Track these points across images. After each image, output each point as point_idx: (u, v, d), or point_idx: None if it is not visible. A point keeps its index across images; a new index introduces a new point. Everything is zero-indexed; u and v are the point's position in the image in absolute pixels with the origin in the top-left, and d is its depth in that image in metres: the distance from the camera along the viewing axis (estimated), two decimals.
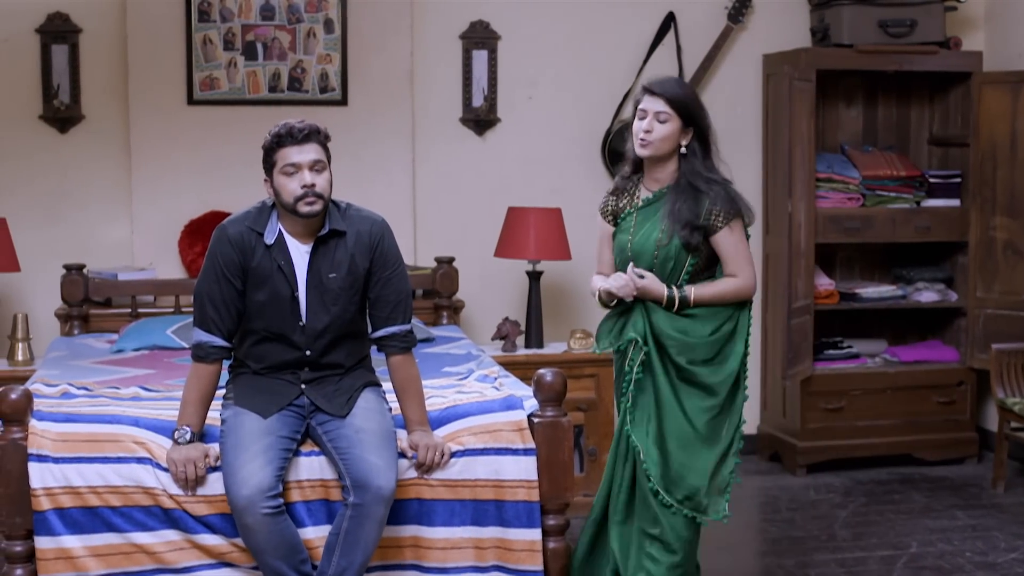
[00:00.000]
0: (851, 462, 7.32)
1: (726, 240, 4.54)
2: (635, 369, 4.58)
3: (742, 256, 4.57)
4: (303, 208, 4.29)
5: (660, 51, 7.32)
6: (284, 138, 4.28)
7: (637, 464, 4.58)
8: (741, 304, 4.61)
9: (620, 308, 4.65)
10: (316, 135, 4.32)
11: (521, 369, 6.02)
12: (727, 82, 7.46)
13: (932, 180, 7.42)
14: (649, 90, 4.55)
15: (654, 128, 4.51)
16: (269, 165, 4.33)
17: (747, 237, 4.60)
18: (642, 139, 4.53)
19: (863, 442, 7.31)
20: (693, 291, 4.55)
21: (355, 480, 4.22)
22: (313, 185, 4.27)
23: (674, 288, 4.54)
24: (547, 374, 4.64)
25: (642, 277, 4.54)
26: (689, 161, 4.54)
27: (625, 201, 4.68)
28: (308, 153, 4.29)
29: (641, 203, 4.63)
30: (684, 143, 4.54)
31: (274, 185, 4.32)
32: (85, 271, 6.58)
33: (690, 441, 4.53)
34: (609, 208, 4.73)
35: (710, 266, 4.62)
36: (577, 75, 7.29)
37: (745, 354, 4.63)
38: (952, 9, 7.26)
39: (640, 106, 4.56)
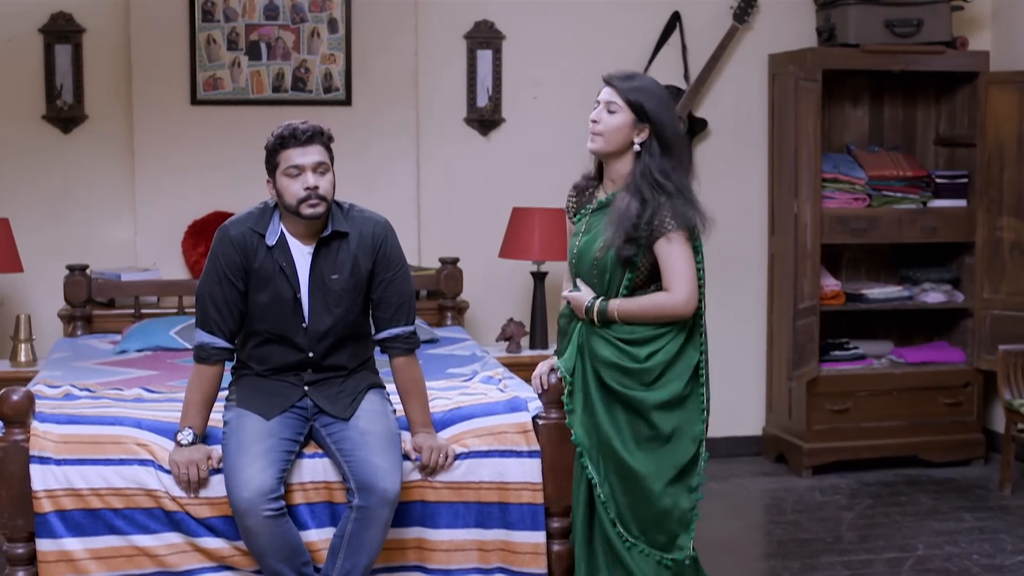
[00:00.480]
0: (857, 464, 7.29)
1: (663, 251, 4.16)
2: (566, 404, 4.37)
3: (677, 271, 4.16)
4: (306, 210, 4.26)
5: (665, 51, 7.30)
6: (287, 139, 4.25)
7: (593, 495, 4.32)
8: (685, 324, 4.24)
9: (572, 326, 4.39)
10: (319, 136, 4.30)
11: (526, 370, 5.94)
12: (732, 82, 7.44)
13: (938, 180, 7.39)
14: (606, 80, 4.27)
15: (602, 119, 4.21)
16: (272, 166, 4.30)
17: (697, 252, 4.22)
18: (590, 130, 4.25)
19: (869, 443, 7.27)
20: (617, 305, 4.22)
21: (360, 483, 4.20)
22: (316, 187, 4.24)
23: (597, 301, 4.24)
24: (552, 376, 4.60)
25: (579, 290, 4.31)
26: (643, 161, 4.19)
27: (584, 200, 4.40)
28: (311, 155, 4.26)
29: (595, 205, 4.33)
30: (638, 140, 4.20)
31: (277, 186, 4.29)
32: (88, 272, 6.57)
33: (631, 473, 4.20)
34: (570, 205, 4.46)
35: (655, 280, 4.26)
36: (582, 75, 7.24)
37: (697, 380, 4.26)
38: (959, 9, 7.23)
39: (597, 97, 4.28)
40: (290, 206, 4.27)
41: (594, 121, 4.23)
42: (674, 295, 4.18)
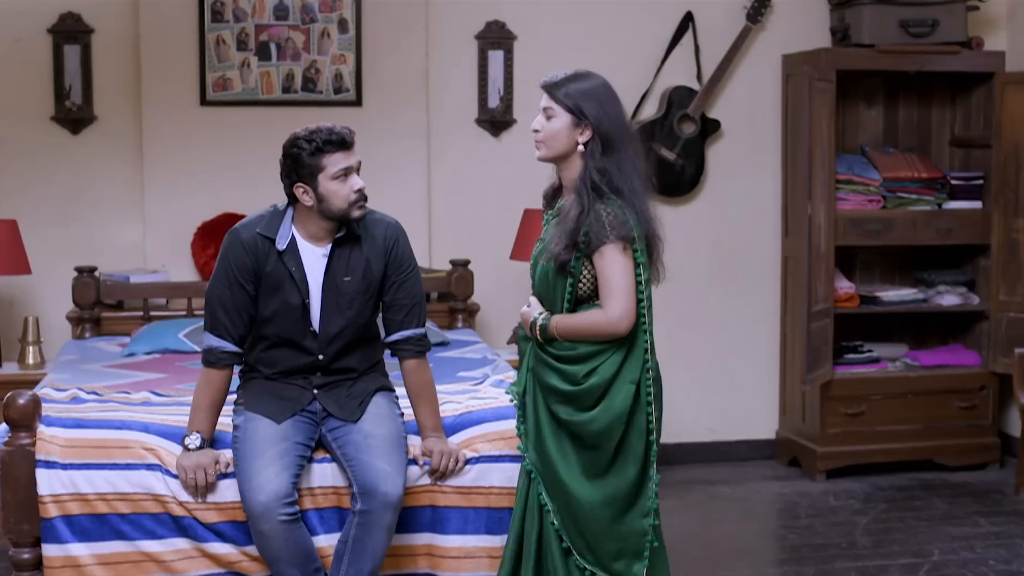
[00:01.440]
0: (871, 467, 7.23)
1: (598, 264, 3.96)
2: (518, 427, 4.22)
3: (611, 286, 3.95)
4: (356, 212, 4.26)
5: (678, 51, 7.26)
6: (334, 144, 4.20)
7: (544, 521, 4.13)
8: (623, 342, 4.00)
9: (523, 347, 4.24)
10: (354, 138, 4.30)
11: None
12: (746, 83, 7.40)
13: (954, 182, 7.34)
14: (542, 86, 4.10)
15: (541, 126, 4.06)
16: (311, 171, 4.20)
17: (636, 262, 3.98)
18: (533, 138, 4.12)
19: (883, 447, 7.23)
20: (556, 321, 4.03)
21: (362, 486, 4.16)
22: (363, 188, 4.25)
23: (541, 316, 4.08)
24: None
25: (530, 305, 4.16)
26: (586, 162, 4.02)
27: (550, 208, 4.24)
28: (355, 156, 4.27)
29: (553, 212, 4.18)
30: (581, 141, 4.03)
31: (320, 191, 4.21)
32: (97, 273, 6.55)
33: (579, 503, 4.02)
34: (542, 215, 4.31)
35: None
36: None
37: (639, 401, 4.01)
38: (974, 9, 7.18)
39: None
40: (341, 210, 4.23)
41: (535, 130, 4.12)
42: (606, 312, 3.96)
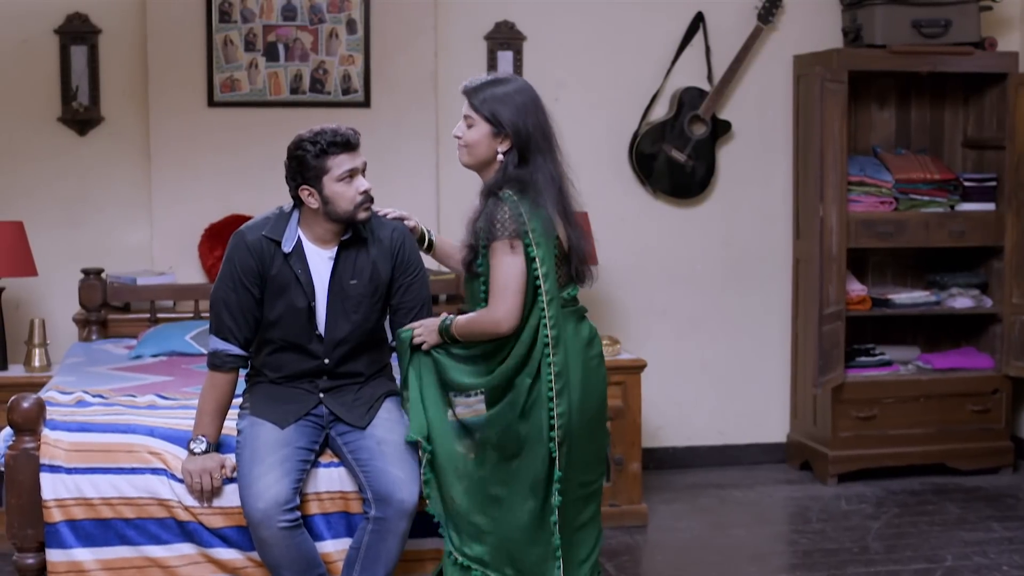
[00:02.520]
0: (883, 472, 7.18)
1: (488, 264, 4.03)
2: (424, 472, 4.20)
3: (495, 285, 3.98)
4: (362, 214, 4.24)
5: (689, 52, 7.22)
6: (339, 145, 4.18)
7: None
8: (510, 342, 4.01)
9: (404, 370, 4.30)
10: (359, 139, 4.26)
11: None
12: (757, 83, 7.36)
13: (966, 183, 7.29)
14: (462, 92, 4.15)
15: (463, 133, 4.11)
16: (315, 173, 4.18)
17: (530, 260, 3.98)
18: (457, 144, 4.16)
19: (896, 451, 7.17)
20: (453, 321, 4.11)
21: (377, 493, 4.13)
22: (369, 190, 4.22)
23: (448, 317, 4.14)
24: None
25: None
26: (500, 171, 4.07)
27: None
28: (360, 157, 4.24)
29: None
30: (501, 150, 4.07)
31: (325, 193, 4.19)
32: (103, 275, 6.51)
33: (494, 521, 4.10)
34: None
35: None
36: (604, 76, 7.19)
37: (538, 400, 4.02)
38: (987, 9, 7.13)
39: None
40: (346, 212, 4.21)
41: (456, 136, 4.14)
42: (489, 310, 4.00)
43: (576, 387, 4.07)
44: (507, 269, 3.97)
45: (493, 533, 4.09)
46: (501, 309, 3.97)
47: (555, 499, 4.04)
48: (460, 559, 4.13)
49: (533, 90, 4.17)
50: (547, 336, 4.01)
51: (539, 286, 4.00)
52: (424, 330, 4.20)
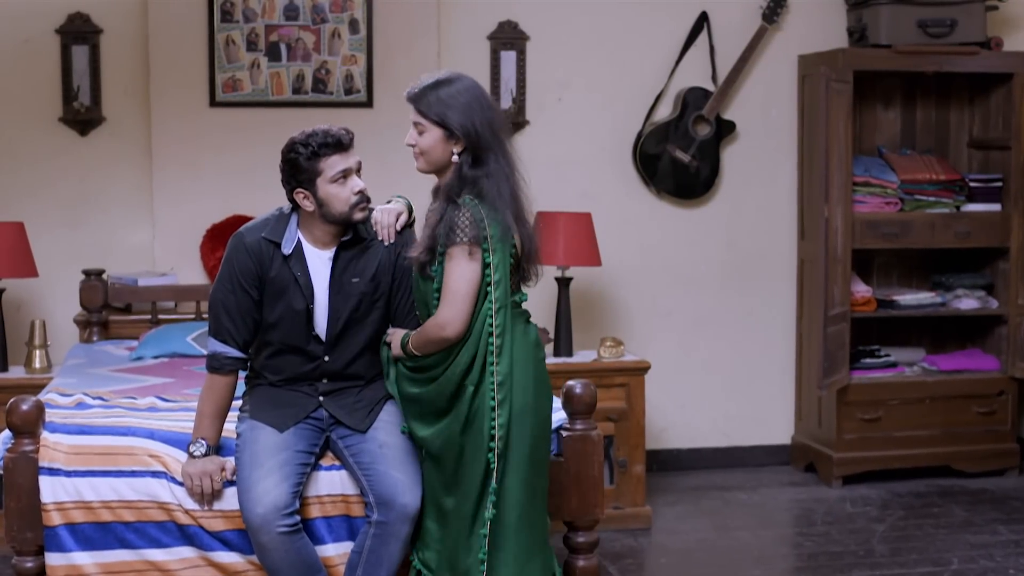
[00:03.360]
0: (888, 474, 7.15)
1: (442, 268, 4.02)
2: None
3: (446, 290, 3.97)
4: (358, 215, 4.19)
5: (693, 52, 7.19)
6: (331, 146, 4.14)
7: None
8: (467, 346, 4.00)
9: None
10: (353, 138, 4.22)
11: (550, 378, 5.85)
12: (761, 84, 7.33)
13: (972, 184, 7.26)
14: (407, 99, 4.11)
15: (416, 140, 4.08)
16: (309, 176, 4.15)
17: (484, 266, 3.96)
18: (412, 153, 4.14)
19: (901, 453, 7.14)
20: (411, 335, 4.11)
21: (379, 497, 4.09)
22: (364, 190, 4.17)
23: (408, 332, 4.15)
24: (576, 386, 4.48)
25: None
26: (455, 172, 4.06)
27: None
28: (353, 157, 4.20)
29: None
30: (456, 151, 4.06)
31: (319, 196, 4.15)
32: (105, 276, 6.48)
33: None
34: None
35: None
36: (608, 77, 7.16)
37: (480, 409, 4.01)
38: (993, 9, 7.10)
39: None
40: (342, 213, 4.17)
41: (409, 144, 4.12)
42: (436, 316, 4.01)
43: (529, 390, 4.06)
44: (461, 274, 3.96)
45: (440, 540, 4.10)
46: (448, 313, 3.97)
47: (488, 512, 4.02)
48: (414, 562, 4.17)
49: (477, 86, 4.16)
50: (491, 343, 4.00)
51: (488, 293, 4.00)
52: (393, 340, 4.21)
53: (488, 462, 4.01)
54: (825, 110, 6.72)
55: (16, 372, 6.23)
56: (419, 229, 4.22)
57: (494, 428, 3.99)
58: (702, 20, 7.19)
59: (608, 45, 7.17)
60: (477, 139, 4.04)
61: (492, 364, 4.00)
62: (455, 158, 4.06)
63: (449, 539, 4.08)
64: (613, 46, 7.17)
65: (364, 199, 4.20)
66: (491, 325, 4.00)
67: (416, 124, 4.09)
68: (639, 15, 7.19)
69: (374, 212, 4.29)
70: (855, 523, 6.40)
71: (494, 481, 4.01)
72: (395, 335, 4.21)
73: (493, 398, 4.00)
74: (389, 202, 4.39)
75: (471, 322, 4.00)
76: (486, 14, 7.05)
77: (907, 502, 6.77)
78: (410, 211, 4.37)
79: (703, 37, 7.21)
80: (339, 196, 4.16)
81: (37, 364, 6.17)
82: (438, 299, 4.03)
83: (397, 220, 4.32)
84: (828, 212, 6.79)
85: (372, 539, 4.10)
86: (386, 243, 4.28)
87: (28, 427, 4.22)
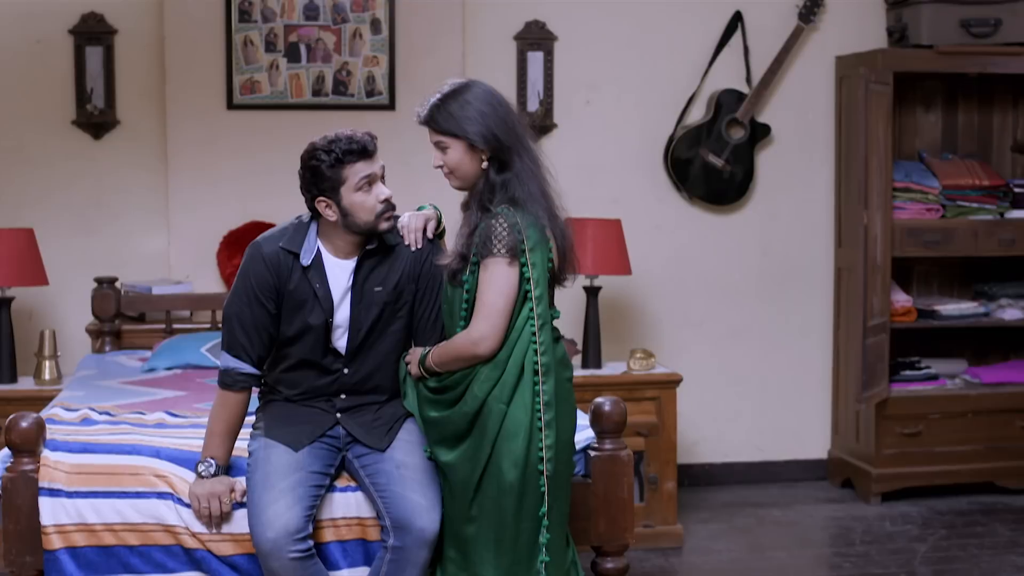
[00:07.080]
0: (929, 490, 6.98)
1: (475, 278, 3.88)
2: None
3: (480, 303, 3.82)
4: (384, 225, 4.02)
5: (726, 53, 7.06)
6: (356, 152, 3.96)
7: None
8: (503, 363, 3.84)
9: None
10: (377, 143, 4.05)
11: (578, 391, 5.62)
12: (798, 85, 7.19)
13: (1017, 190, 7.10)
14: (421, 123, 4.01)
15: (442, 161, 3.96)
16: (332, 184, 3.97)
17: (524, 280, 3.83)
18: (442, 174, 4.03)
19: (942, 469, 6.98)
20: (431, 350, 3.95)
21: (395, 520, 3.90)
22: (390, 197, 4.01)
23: (427, 348, 3.99)
24: (605, 403, 4.28)
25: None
26: (484, 180, 3.94)
27: None
28: (378, 162, 4.03)
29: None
30: (485, 159, 3.93)
31: (343, 204, 3.97)
32: (118, 284, 6.35)
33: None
34: None
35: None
36: (638, 78, 7.03)
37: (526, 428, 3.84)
38: None
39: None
40: (367, 223, 3.99)
41: (438, 166, 3.98)
42: (468, 330, 3.85)
43: (564, 414, 3.91)
44: (497, 288, 3.81)
45: (465, 571, 3.91)
46: (483, 328, 3.81)
47: (543, 537, 3.84)
48: None
49: (483, 89, 4.01)
50: (536, 363, 3.83)
51: (532, 308, 3.84)
52: (412, 359, 4.04)
53: (536, 485, 3.82)
54: (864, 113, 6.58)
55: (25, 384, 6.08)
56: (449, 241, 4.08)
57: (542, 450, 3.81)
58: (736, 20, 7.06)
59: (639, 45, 7.04)
60: (498, 144, 3.91)
61: (537, 384, 3.82)
62: (484, 165, 3.93)
63: (474, 570, 3.89)
64: (644, 46, 7.04)
65: (390, 207, 4.02)
66: (535, 342, 3.83)
67: (437, 144, 3.96)
68: (671, 15, 7.07)
69: (401, 217, 4.12)
70: (895, 543, 6.20)
71: (544, 505, 3.83)
72: (413, 354, 4.04)
73: (539, 418, 3.81)
74: (419, 209, 4.21)
75: (504, 338, 3.84)
76: (513, 13, 6.93)
77: (949, 520, 6.58)
78: (439, 221, 4.18)
79: (737, 37, 7.07)
80: (364, 205, 3.97)
81: (47, 375, 6.01)
82: (465, 309, 3.89)
83: (426, 226, 4.14)
84: (867, 219, 6.65)
85: (388, 565, 3.92)
86: (413, 248, 4.10)
87: (28, 445, 4.05)
